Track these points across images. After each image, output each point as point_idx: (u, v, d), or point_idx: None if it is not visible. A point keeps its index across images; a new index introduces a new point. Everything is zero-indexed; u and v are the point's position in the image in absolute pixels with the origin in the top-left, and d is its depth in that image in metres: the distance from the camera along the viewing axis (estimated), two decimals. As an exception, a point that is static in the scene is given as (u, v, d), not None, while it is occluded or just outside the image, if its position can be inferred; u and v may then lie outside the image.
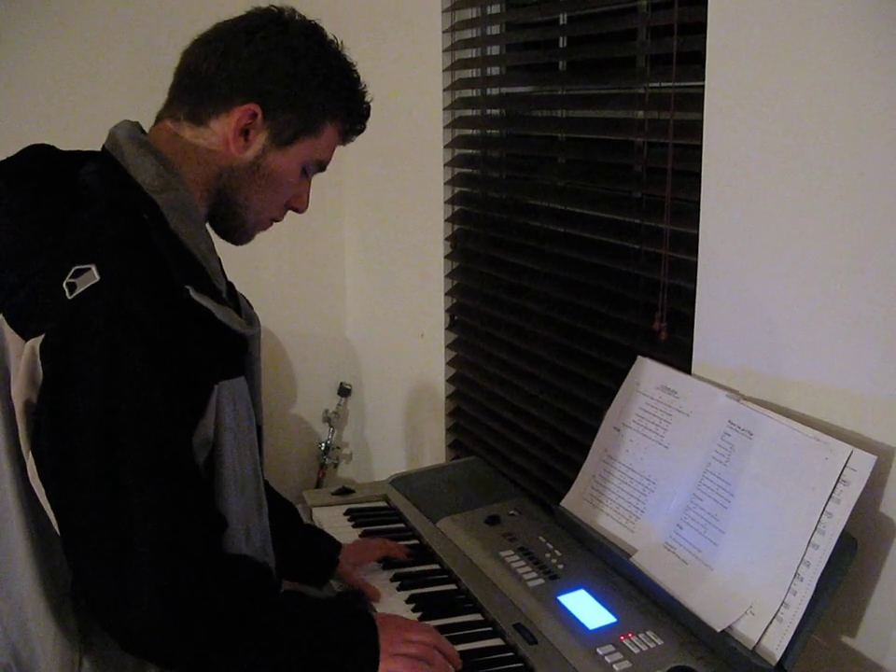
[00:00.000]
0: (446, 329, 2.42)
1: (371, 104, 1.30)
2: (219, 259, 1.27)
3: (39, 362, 1.05)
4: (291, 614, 1.18)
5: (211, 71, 1.18)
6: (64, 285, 1.05)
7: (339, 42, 1.27)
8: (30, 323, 1.06)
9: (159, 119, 1.24)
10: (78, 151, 1.22)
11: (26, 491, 1.10)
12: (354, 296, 3.00)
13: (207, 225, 1.26)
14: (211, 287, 1.16)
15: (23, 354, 1.05)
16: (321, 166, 1.29)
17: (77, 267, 1.05)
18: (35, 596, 1.12)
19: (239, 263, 2.56)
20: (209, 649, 1.11)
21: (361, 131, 1.31)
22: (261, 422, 1.32)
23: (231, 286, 1.30)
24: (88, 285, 1.04)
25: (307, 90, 1.20)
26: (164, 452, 1.07)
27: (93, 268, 1.05)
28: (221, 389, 1.14)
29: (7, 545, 1.13)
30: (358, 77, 1.28)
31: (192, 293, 1.10)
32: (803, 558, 1.22)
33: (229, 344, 1.19)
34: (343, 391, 3.03)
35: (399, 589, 1.52)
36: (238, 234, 1.29)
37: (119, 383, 1.04)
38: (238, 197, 1.23)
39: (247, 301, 1.35)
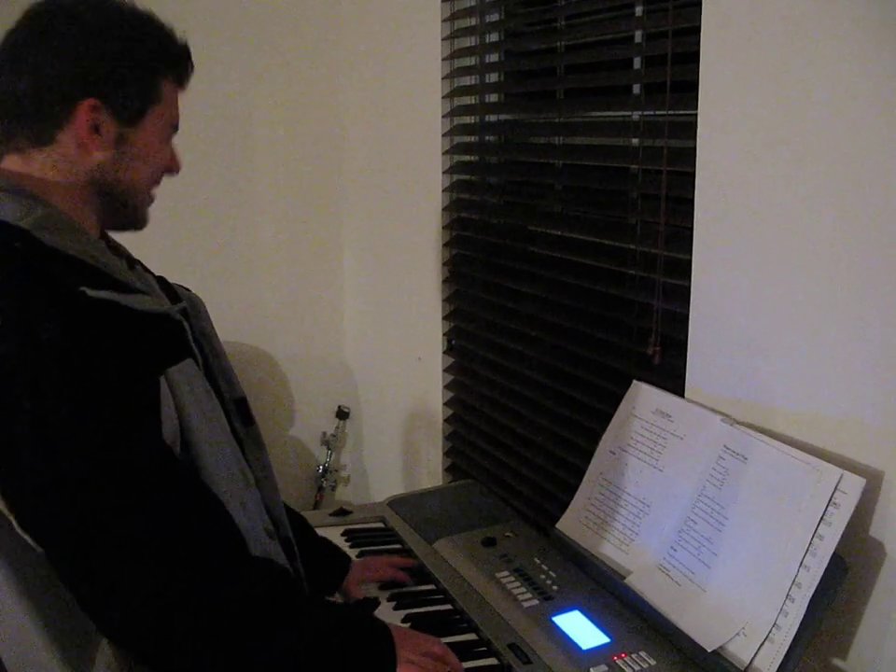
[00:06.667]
0: (444, 352, 2.44)
1: (185, 40, 1.26)
2: (134, 260, 1.30)
3: None
4: (311, 618, 1.19)
5: (31, 89, 1.14)
6: None
7: None
8: None
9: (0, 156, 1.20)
10: None
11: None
12: (352, 319, 3.02)
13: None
14: (112, 282, 1.14)
15: None
16: (175, 126, 1.28)
17: None
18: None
19: (238, 286, 2.57)
20: (236, 648, 1.11)
21: (192, 68, 1.28)
22: (242, 394, 1.37)
23: (162, 280, 1.32)
24: None
25: (126, 59, 1.17)
26: (129, 461, 1.07)
27: None
28: (170, 376, 1.14)
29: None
30: (162, 23, 1.24)
31: (89, 293, 1.09)
32: (794, 580, 1.24)
33: (160, 331, 1.19)
34: (342, 414, 3.05)
35: (395, 609, 1.53)
36: (135, 218, 1.28)
37: (50, 415, 1.03)
38: (121, 186, 1.22)
39: (185, 288, 1.36)
